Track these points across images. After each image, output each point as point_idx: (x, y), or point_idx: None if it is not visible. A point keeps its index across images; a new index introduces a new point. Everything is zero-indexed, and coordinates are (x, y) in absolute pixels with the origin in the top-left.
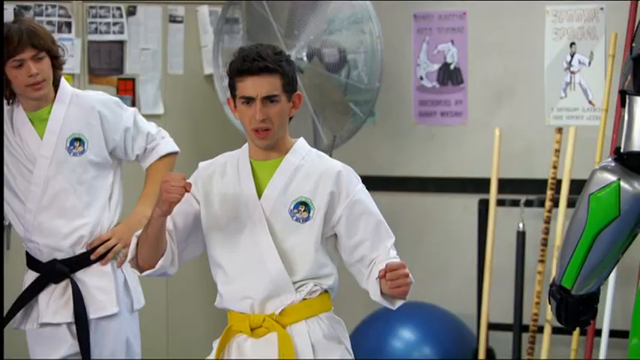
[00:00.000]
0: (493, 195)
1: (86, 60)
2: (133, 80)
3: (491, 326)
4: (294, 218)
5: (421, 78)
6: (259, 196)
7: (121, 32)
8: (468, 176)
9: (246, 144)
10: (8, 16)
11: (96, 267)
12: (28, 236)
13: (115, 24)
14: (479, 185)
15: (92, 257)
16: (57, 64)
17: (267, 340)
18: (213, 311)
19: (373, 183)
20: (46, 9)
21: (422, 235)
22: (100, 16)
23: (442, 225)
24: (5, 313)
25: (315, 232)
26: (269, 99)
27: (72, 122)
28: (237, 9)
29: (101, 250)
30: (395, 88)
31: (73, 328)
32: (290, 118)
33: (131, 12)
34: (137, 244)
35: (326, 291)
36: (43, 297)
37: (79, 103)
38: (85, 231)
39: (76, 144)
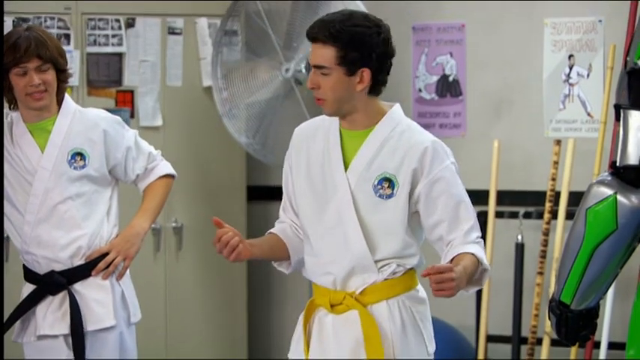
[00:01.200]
0: (492, 207)
1: (85, 72)
2: (131, 92)
3: (490, 338)
4: (378, 194)
5: (420, 90)
6: (346, 168)
7: (120, 44)
8: (466, 188)
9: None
10: (7, 29)
11: (94, 279)
12: (25, 248)
13: (113, 36)
14: (477, 197)
15: (93, 273)
16: (62, 77)
17: (347, 318)
18: (212, 325)
19: None
20: (45, 21)
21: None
22: (99, 28)
23: None
24: (4, 324)
25: (399, 210)
26: (319, 69)
27: (74, 137)
28: (236, 21)
29: (101, 265)
30: (394, 99)
31: (70, 340)
32: (371, 92)
33: (130, 24)
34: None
35: (411, 269)
36: (41, 309)
37: (83, 119)
38: (83, 242)
39: (77, 158)
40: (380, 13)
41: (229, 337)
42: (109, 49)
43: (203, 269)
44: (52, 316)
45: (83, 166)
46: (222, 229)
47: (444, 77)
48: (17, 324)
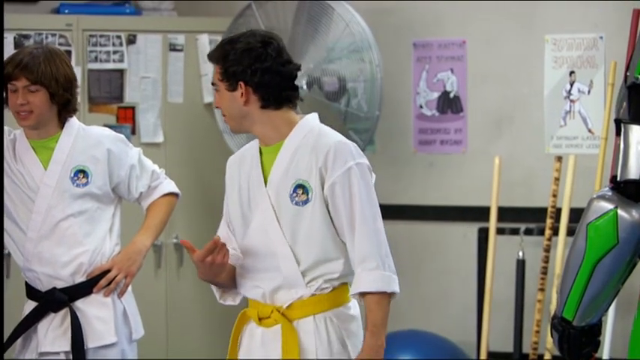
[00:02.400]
0: (493, 223)
1: (86, 88)
2: (132, 108)
3: (491, 355)
4: (294, 202)
5: (421, 106)
6: (265, 182)
7: (121, 61)
8: (467, 204)
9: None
10: (8, 45)
11: (95, 296)
12: (27, 265)
13: (115, 52)
14: (478, 213)
15: (95, 290)
16: (55, 100)
17: (275, 332)
18: (213, 341)
19: None
20: (47, 37)
21: (421, 263)
22: (100, 45)
23: (442, 253)
24: (4, 342)
25: (317, 215)
26: (213, 86)
27: (78, 154)
28: None
29: (103, 282)
30: (395, 116)
31: (71, 357)
32: (265, 106)
33: (131, 40)
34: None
35: (342, 284)
36: (42, 326)
37: (86, 137)
38: (85, 258)
39: (80, 175)
40: (381, 29)
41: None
42: (110, 66)
43: (204, 286)
44: (53, 333)
45: (86, 184)
46: (197, 252)
47: (445, 93)
48: (19, 341)
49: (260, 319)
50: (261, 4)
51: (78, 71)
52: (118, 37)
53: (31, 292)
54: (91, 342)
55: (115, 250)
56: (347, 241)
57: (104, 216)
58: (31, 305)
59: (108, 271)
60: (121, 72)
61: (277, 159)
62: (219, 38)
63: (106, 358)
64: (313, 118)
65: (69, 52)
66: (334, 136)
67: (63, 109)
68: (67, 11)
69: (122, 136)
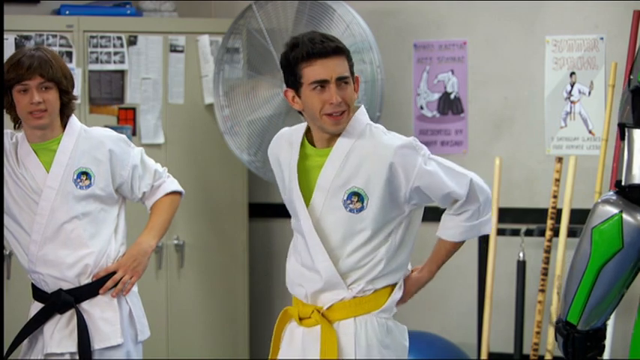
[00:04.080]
0: (493, 224)
1: (87, 89)
2: (133, 110)
3: (492, 356)
4: (348, 209)
5: (421, 107)
6: (312, 185)
7: (122, 62)
8: None
9: (302, 125)
10: (9, 46)
11: (101, 298)
12: (32, 267)
13: (115, 53)
14: None
15: (101, 292)
16: (65, 98)
17: (316, 333)
18: (214, 342)
19: None
20: (47, 38)
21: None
22: (101, 46)
23: None
24: (10, 343)
25: (369, 223)
26: (343, 80)
27: (80, 156)
28: (238, 39)
29: (109, 284)
30: (395, 117)
31: (77, 358)
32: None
33: (132, 42)
34: None
35: (385, 287)
36: (48, 327)
37: (88, 138)
38: (90, 260)
39: (83, 177)
40: (382, 30)
41: (231, 354)
42: (111, 67)
43: (204, 286)
44: (59, 334)
45: (89, 185)
46: None
47: (446, 95)
48: (25, 342)
49: (300, 319)
50: (262, 5)
51: (79, 72)
52: (119, 38)
53: (37, 293)
54: (96, 343)
55: (121, 251)
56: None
57: (108, 217)
58: (37, 306)
59: (114, 273)
60: (122, 73)
61: (328, 163)
62: (219, 39)
63: (111, 359)
64: (361, 116)
65: (70, 54)
66: (390, 140)
67: (66, 108)
68: (67, 12)
69: (124, 136)
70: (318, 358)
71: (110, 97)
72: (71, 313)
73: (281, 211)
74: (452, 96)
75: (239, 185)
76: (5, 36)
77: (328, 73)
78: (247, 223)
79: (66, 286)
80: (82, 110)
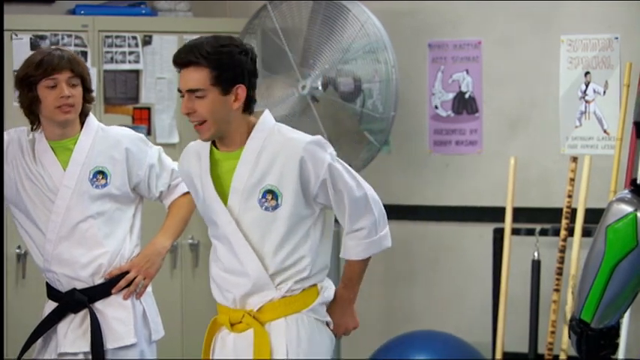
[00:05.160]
0: (508, 224)
1: (102, 89)
2: (148, 109)
3: (507, 355)
4: (264, 208)
5: (436, 107)
6: (226, 191)
7: (137, 61)
8: (483, 205)
9: None
10: (24, 46)
11: (115, 297)
12: (47, 266)
13: (130, 53)
14: (494, 214)
15: (113, 291)
16: (88, 97)
17: (247, 337)
18: None
19: (389, 211)
20: (62, 38)
21: (437, 264)
22: (116, 46)
23: (457, 254)
24: (24, 342)
25: (286, 219)
26: (194, 92)
27: (96, 155)
28: (253, 38)
29: (122, 283)
30: (410, 117)
31: (90, 357)
32: (245, 109)
33: (147, 41)
34: None
35: (313, 285)
36: (62, 327)
37: (105, 137)
38: (104, 260)
39: (99, 176)
40: (396, 29)
41: None
42: (126, 67)
43: None
44: (72, 333)
45: (105, 185)
46: None
47: (460, 94)
48: (39, 341)
49: (232, 325)
50: (277, 4)
51: (94, 72)
52: (134, 37)
53: (52, 292)
54: (110, 343)
55: (135, 251)
56: (343, 222)
57: (124, 217)
58: (51, 305)
59: (127, 272)
60: (137, 73)
61: (240, 165)
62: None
63: (125, 358)
64: (268, 118)
65: (84, 53)
66: (299, 136)
67: (84, 107)
68: (82, 12)
69: (142, 135)
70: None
71: (125, 97)
72: (85, 312)
73: None
74: (466, 95)
75: None
76: (20, 35)
77: (184, 84)
78: None
79: (80, 286)
80: (97, 110)
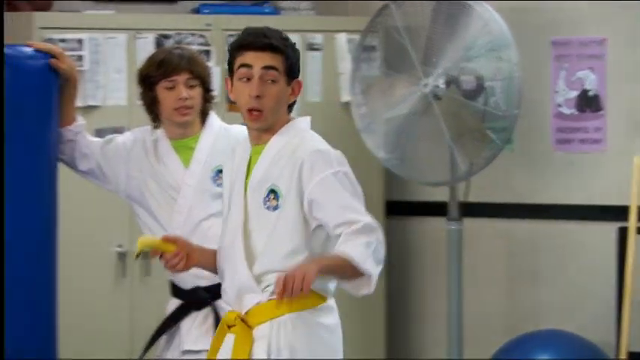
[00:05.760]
0: (632, 223)
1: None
2: None
3: (631, 355)
4: (266, 207)
5: (559, 105)
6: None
7: None
8: (607, 204)
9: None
10: (148, 45)
11: None
12: None
13: None
14: (617, 213)
15: None
16: (208, 96)
17: None
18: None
19: (512, 210)
20: (186, 37)
21: (561, 263)
22: None
23: (581, 252)
24: (148, 340)
25: (282, 223)
26: (269, 73)
27: (218, 154)
28: (375, 37)
29: None
30: (533, 115)
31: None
32: (290, 107)
33: None
34: None
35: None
36: (185, 324)
37: (227, 136)
38: None
39: (221, 175)
40: (519, 27)
41: (367, 353)
42: None
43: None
44: (196, 331)
45: None
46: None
47: (584, 92)
48: (162, 339)
49: (229, 327)
50: (400, 4)
51: (217, 71)
52: None
53: (175, 290)
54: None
55: None
56: (332, 230)
57: None
58: (174, 303)
59: None
60: None
61: (260, 160)
62: (356, 37)
63: None
64: (302, 122)
65: (208, 52)
66: (314, 144)
67: (206, 107)
68: (206, 11)
69: None
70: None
71: None
72: (208, 310)
73: (419, 209)
74: (590, 93)
75: (375, 183)
76: (145, 35)
77: (256, 60)
78: (384, 220)
79: (203, 284)
80: (220, 109)
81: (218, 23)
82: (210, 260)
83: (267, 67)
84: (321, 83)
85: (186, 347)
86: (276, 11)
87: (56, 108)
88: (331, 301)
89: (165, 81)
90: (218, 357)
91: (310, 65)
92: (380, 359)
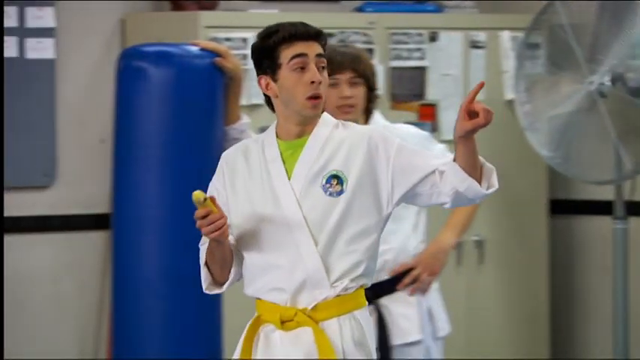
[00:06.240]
0: None
1: (388, 86)
2: (434, 106)
3: None
4: (328, 193)
5: None
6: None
7: (423, 58)
8: None
9: (272, 127)
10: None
11: (400, 294)
12: None
13: (416, 50)
14: None
15: (398, 288)
16: (372, 96)
17: (296, 335)
18: (514, 341)
19: None
20: (349, 36)
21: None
22: (402, 43)
23: None
24: None
25: (349, 207)
26: (321, 61)
27: None
28: (539, 34)
29: (407, 280)
30: None
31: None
32: None
33: (433, 38)
34: (207, 268)
35: (362, 285)
36: None
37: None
38: (390, 256)
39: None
40: None
41: (531, 353)
42: (412, 63)
43: (504, 284)
44: None
45: None
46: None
47: None
48: None
49: (282, 323)
50: (566, 3)
51: (380, 69)
52: (420, 34)
53: None
54: (395, 339)
55: (420, 248)
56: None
57: (408, 213)
58: None
59: (412, 269)
60: (422, 70)
61: (305, 151)
62: (520, 35)
63: (410, 355)
64: (327, 115)
65: (371, 50)
66: (362, 126)
67: (369, 105)
68: (370, 9)
69: (427, 133)
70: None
71: (410, 94)
72: (370, 309)
73: (583, 208)
74: None
75: (539, 181)
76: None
77: (309, 49)
78: (547, 219)
79: None
80: (382, 106)
81: (381, 21)
82: (229, 247)
83: (319, 55)
84: (484, 81)
85: None
86: (439, 9)
87: (221, 106)
88: None
89: (329, 79)
90: (268, 356)
91: (473, 63)
92: (544, 359)
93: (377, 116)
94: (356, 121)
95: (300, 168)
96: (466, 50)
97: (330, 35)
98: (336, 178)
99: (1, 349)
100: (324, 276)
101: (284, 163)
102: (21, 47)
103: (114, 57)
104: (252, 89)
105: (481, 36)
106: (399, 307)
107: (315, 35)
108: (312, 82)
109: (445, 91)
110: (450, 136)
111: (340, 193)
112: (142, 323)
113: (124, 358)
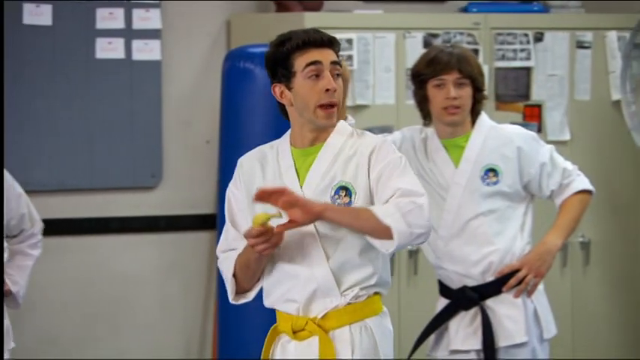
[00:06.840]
0: None
1: (493, 86)
2: (539, 107)
3: None
4: (336, 204)
5: None
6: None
7: (528, 58)
8: None
9: (286, 134)
10: (417, 44)
11: (505, 296)
12: (439, 263)
13: (521, 50)
14: None
15: (504, 289)
16: (479, 96)
17: (309, 344)
18: (622, 342)
19: None
20: (454, 36)
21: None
22: (507, 43)
23: None
24: (417, 338)
25: None
26: (336, 68)
27: (488, 153)
28: None
29: (513, 282)
30: None
31: (482, 355)
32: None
33: (538, 38)
34: (235, 269)
35: (376, 293)
36: (454, 324)
37: (497, 136)
38: (495, 257)
39: (490, 174)
40: None
41: (637, 354)
42: (517, 64)
43: (610, 285)
44: (464, 331)
45: (496, 182)
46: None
47: None
48: (432, 338)
49: (294, 332)
50: None
51: (485, 69)
52: (525, 35)
53: (443, 289)
54: (501, 341)
55: (526, 250)
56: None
57: (515, 214)
58: (442, 302)
59: (517, 270)
60: (528, 70)
61: (317, 160)
62: (627, 35)
63: (516, 357)
64: (348, 123)
65: (476, 51)
66: (374, 136)
67: (476, 106)
68: (475, 10)
69: (534, 133)
70: None
71: (516, 94)
72: (475, 310)
73: None
74: None
75: None
76: (413, 34)
77: (323, 56)
78: None
79: (471, 283)
80: (488, 107)
81: (487, 22)
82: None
83: (333, 62)
84: (590, 81)
85: (455, 347)
86: (545, 9)
87: None
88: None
89: (435, 79)
90: None
91: (579, 63)
92: None
93: (484, 117)
94: (462, 123)
95: (312, 177)
96: (572, 50)
97: (435, 36)
98: (345, 190)
99: (1, 350)
100: (333, 285)
101: (297, 171)
102: (128, 49)
103: (219, 58)
104: (357, 90)
105: (587, 36)
106: (505, 308)
107: (329, 42)
108: (327, 90)
109: (550, 91)
110: (554, 137)
111: (348, 204)
112: (247, 323)
113: (229, 358)
